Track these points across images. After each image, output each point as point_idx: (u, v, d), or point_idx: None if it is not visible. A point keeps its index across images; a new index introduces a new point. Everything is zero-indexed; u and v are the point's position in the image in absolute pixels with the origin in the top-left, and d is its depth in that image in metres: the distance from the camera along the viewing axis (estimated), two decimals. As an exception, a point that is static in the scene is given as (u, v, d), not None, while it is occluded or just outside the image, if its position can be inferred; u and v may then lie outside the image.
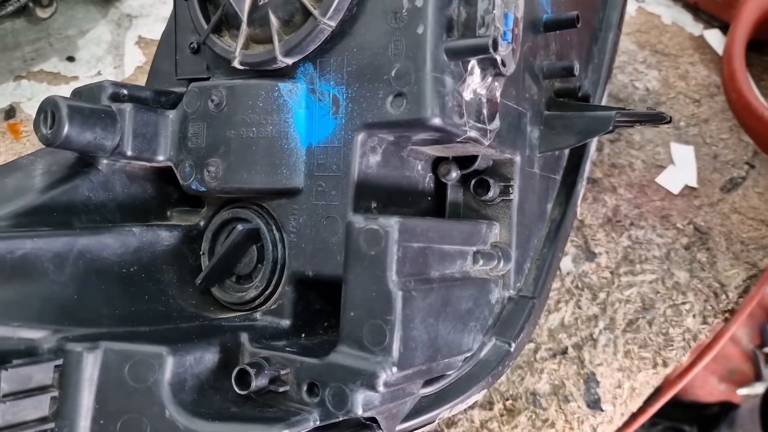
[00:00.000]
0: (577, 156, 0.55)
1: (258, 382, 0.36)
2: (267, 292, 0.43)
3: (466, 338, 0.42)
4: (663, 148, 0.77)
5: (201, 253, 0.46)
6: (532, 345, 0.63)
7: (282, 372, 0.37)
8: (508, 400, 0.60)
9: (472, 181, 0.47)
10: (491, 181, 0.46)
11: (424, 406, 0.43)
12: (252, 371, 0.36)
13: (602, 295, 0.67)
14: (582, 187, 0.55)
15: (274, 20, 0.41)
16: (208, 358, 0.37)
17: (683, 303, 0.67)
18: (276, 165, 0.41)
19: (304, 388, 0.36)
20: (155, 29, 0.82)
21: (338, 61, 0.40)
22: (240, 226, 0.43)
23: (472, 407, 0.59)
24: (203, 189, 0.43)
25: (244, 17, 0.42)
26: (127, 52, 0.80)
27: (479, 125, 0.40)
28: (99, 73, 0.78)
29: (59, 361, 0.35)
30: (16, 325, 0.35)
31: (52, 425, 0.34)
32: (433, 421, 0.43)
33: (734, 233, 0.71)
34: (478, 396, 0.46)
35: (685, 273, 0.68)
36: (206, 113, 0.43)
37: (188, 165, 0.43)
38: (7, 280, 0.36)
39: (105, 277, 0.40)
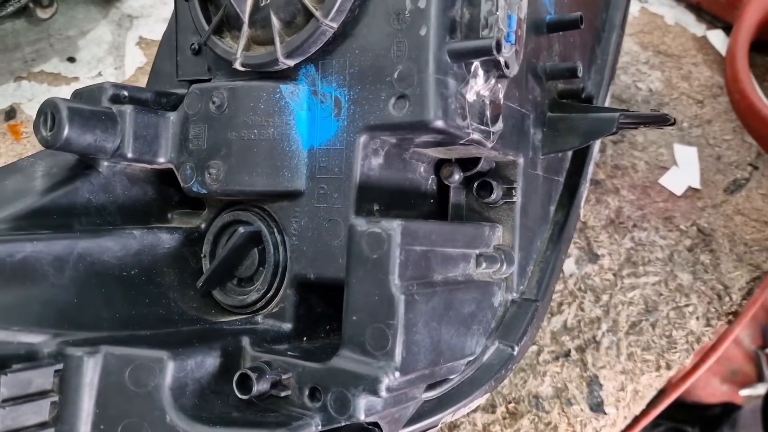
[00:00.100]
0: (581, 157, 0.54)
1: (259, 387, 0.36)
2: (268, 296, 0.43)
3: (469, 342, 0.42)
4: (666, 150, 0.77)
5: (202, 255, 0.46)
6: (534, 347, 0.63)
7: (283, 376, 0.37)
8: (510, 403, 0.60)
9: (475, 184, 0.47)
10: (494, 183, 0.46)
11: (427, 410, 0.42)
12: (253, 376, 0.36)
13: (605, 298, 0.66)
14: (585, 189, 0.54)
15: (275, 21, 0.41)
16: (209, 362, 0.37)
17: (686, 305, 0.66)
18: (277, 167, 0.41)
19: (306, 392, 0.36)
20: (156, 30, 0.82)
21: (340, 62, 0.40)
22: (241, 229, 0.43)
23: (474, 410, 0.59)
24: (204, 191, 0.43)
25: (246, 18, 0.41)
26: (127, 53, 0.80)
27: (482, 127, 0.39)
28: (100, 74, 0.78)
29: (59, 366, 0.34)
30: (15, 330, 0.34)
31: (52, 430, 0.34)
32: (436, 426, 0.43)
33: (738, 235, 0.71)
34: (481, 400, 0.46)
35: (688, 275, 0.68)
36: (207, 115, 0.42)
37: (189, 167, 0.43)
38: (7, 284, 0.35)
39: (105, 280, 0.40)
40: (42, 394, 0.34)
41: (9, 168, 0.44)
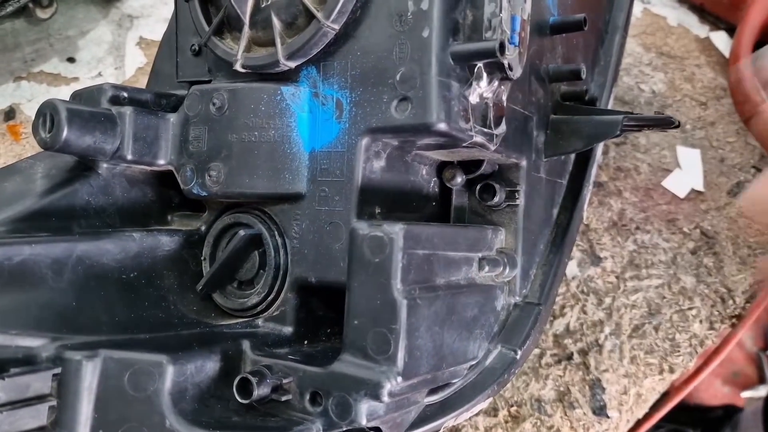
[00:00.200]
0: (584, 160, 0.54)
1: (260, 391, 0.36)
2: (269, 299, 0.43)
3: (472, 346, 0.41)
4: (669, 152, 0.76)
5: (202, 258, 0.46)
6: (537, 350, 0.62)
7: (284, 381, 0.36)
8: (512, 406, 0.59)
9: (478, 186, 0.47)
10: (497, 186, 0.46)
11: (429, 414, 0.42)
12: (254, 380, 0.35)
13: (608, 300, 0.66)
14: (588, 192, 0.54)
15: (276, 23, 0.40)
16: (209, 366, 0.37)
17: (690, 308, 0.66)
18: (278, 170, 0.41)
19: (307, 397, 0.36)
20: (156, 30, 0.82)
21: (342, 64, 0.40)
22: (242, 232, 0.42)
23: (476, 414, 0.58)
24: (204, 193, 0.42)
25: (246, 19, 0.41)
26: (128, 53, 0.80)
27: (485, 130, 0.39)
28: (100, 74, 0.78)
29: (58, 370, 0.34)
30: (13, 333, 0.34)
31: (50, 435, 0.34)
32: (438, 430, 0.43)
33: (741, 237, 0.71)
34: (484, 404, 0.45)
35: (691, 278, 0.68)
36: (208, 117, 0.42)
37: (189, 169, 0.43)
38: (5, 287, 0.35)
39: (104, 283, 0.40)
40: (40, 399, 0.33)
41: (8, 169, 0.43)
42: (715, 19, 0.91)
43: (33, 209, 0.40)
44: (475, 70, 0.38)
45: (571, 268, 0.67)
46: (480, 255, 0.42)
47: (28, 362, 0.34)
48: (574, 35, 0.53)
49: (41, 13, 0.71)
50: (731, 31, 0.88)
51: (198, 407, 0.35)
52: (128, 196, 0.45)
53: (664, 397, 0.67)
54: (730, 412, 1.17)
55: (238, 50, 0.41)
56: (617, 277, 0.67)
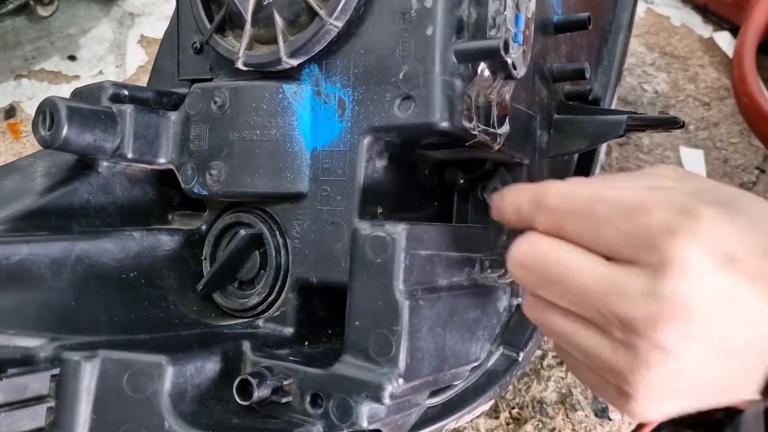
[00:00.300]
0: (587, 160, 0.54)
1: (260, 393, 0.35)
2: (270, 299, 0.42)
3: (474, 347, 0.41)
4: (672, 152, 0.76)
5: (203, 258, 0.45)
6: (538, 352, 0.62)
7: (285, 382, 0.36)
8: (514, 408, 0.59)
9: (480, 186, 0.46)
10: (500, 185, 0.45)
11: (431, 417, 0.42)
12: (254, 381, 0.35)
13: (610, 302, 0.65)
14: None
15: (279, 20, 0.40)
16: (209, 367, 0.36)
17: (692, 310, 0.66)
18: (280, 169, 0.40)
19: (308, 399, 0.36)
20: (158, 28, 0.82)
21: (344, 62, 0.39)
22: (243, 231, 0.42)
23: (478, 416, 0.58)
24: (205, 192, 0.42)
25: (248, 17, 0.41)
26: (129, 51, 0.79)
27: (489, 129, 0.39)
28: (101, 72, 0.77)
29: (56, 371, 0.34)
30: (12, 333, 0.34)
31: (48, 436, 0.33)
32: (439, 432, 0.42)
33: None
34: (485, 406, 0.45)
35: (694, 279, 0.67)
36: (209, 115, 0.42)
37: (190, 168, 0.42)
38: (3, 287, 0.35)
39: (104, 283, 0.39)
40: (38, 400, 0.33)
41: (7, 168, 0.43)
42: (718, 19, 0.91)
43: (32, 208, 0.39)
44: (479, 68, 0.37)
45: (574, 269, 0.67)
46: (482, 256, 0.42)
47: (26, 363, 0.34)
48: (578, 34, 0.53)
49: (42, 11, 0.70)
50: (735, 31, 0.88)
51: (197, 408, 0.35)
52: (128, 195, 0.44)
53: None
54: (732, 414, 1.16)
55: (239, 48, 0.41)
56: (620, 279, 0.67)
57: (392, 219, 0.40)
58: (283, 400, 0.36)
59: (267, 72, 0.41)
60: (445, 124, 0.36)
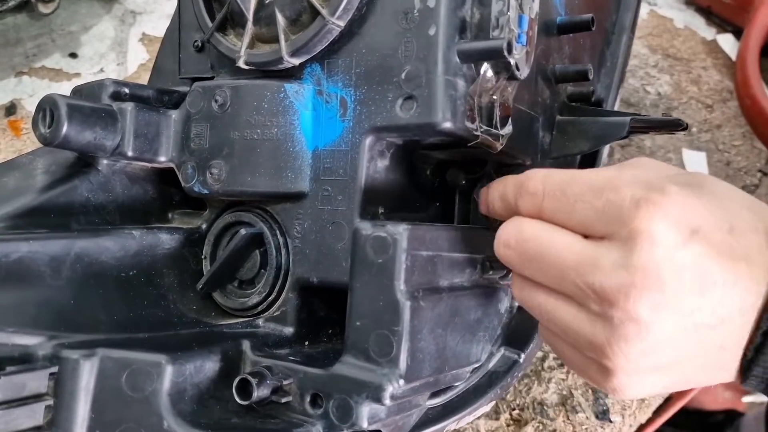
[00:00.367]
0: (589, 162, 0.54)
1: (260, 393, 0.35)
2: (270, 299, 0.42)
3: (475, 349, 0.41)
4: (674, 155, 0.76)
5: (203, 257, 0.45)
6: (539, 353, 0.62)
7: (284, 382, 0.36)
8: (514, 410, 0.59)
9: (482, 187, 0.46)
10: (501, 186, 0.45)
11: (431, 418, 0.42)
12: (254, 381, 0.35)
13: (611, 304, 0.65)
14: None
15: (280, 19, 0.40)
16: (208, 366, 0.36)
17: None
18: (281, 168, 0.40)
19: (308, 399, 0.35)
20: (159, 26, 0.81)
21: (346, 62, 0.39)
22: (243, 230, 0.42)
23: (478, 417, 0.58)
24: (206, 191, 0.42)
25: (250, 15, 0.41)
26: (130, 49, 0.79)
27: (491, 130, 0.39)
28: (102, 70, 0.77)
29: (54, 369, 0.34)
30: (10, 331, 0.34)
31: (46, 435, 0.33)
32: (440, 433, 0.42)
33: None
34: (486, 408, 0.45)
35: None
36: (210, 114, 0.42)
37: (191, 166, 0.42)
38: (2, 285, 0.35)
39: (103, 281, 0.39)
40: (36, 398, 0.33)
41: (7, 165, 0.43)
42: (721, 22, 0.91)
43: (32, 205, 0.39)
44: (482, 69, 0.37)
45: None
46: (484, 256, 0.42)
47: (24, 361, 0.34)
48: (581, 36, 0.53)
49: (43, 8, 0.70)
50: (738, 33, 0.88)
51: (197, 408, 0.35)
52: (128, 194, 0.44)
53: (667, 401, 0.67)
54: (732, 416, 1.16)
55: (241, 47, 0.41)
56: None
57: (393, 219, 0.40)
58: (283, 400, 0.36)
59: (268, 71, 0.41)
60: (447, 125, 0.36)
